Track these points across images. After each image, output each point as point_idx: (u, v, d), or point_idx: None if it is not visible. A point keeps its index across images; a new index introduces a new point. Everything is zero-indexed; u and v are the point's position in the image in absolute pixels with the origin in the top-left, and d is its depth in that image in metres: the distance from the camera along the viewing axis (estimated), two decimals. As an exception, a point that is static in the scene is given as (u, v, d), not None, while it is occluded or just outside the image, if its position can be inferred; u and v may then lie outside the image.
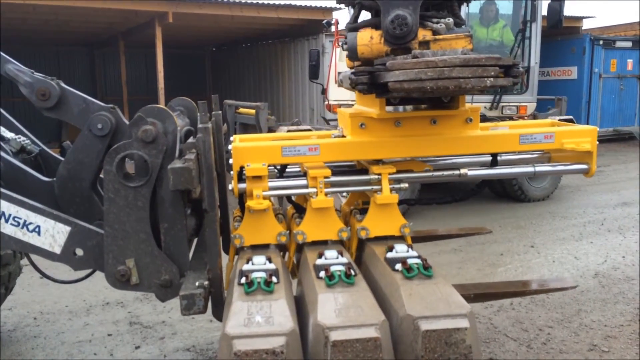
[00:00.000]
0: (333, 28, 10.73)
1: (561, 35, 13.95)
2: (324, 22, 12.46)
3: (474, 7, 8.03)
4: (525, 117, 8.43)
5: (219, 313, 2.45)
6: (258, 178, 2.57)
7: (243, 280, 2.23)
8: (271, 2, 12.44)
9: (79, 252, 2.49)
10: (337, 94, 8.51)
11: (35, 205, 2.45)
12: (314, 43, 12.92)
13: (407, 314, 2.09)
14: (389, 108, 2.74)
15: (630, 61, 15.65)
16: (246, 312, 2.06)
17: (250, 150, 2.62)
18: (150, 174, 2.35)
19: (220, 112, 2.67)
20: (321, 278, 2.29)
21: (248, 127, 8.41)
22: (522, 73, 8.12)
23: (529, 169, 2.88)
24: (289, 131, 7.70)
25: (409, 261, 2.37)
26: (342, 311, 2.10)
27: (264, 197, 2.54)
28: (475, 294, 2.93)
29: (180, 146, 2.47)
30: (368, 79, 2.34)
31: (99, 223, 2.50)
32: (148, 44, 13.29)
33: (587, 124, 15.41)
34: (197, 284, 2.29)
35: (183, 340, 3.85)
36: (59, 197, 2.63)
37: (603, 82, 14.94)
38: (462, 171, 2.77)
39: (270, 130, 7.88)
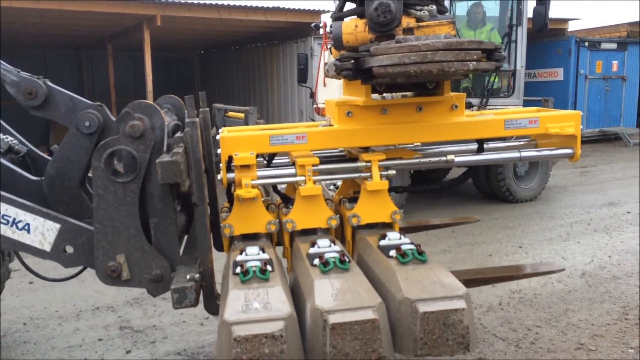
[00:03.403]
0: (322, 31, 10.78)
1: (547, 37, 14.09)
2: (313, 25, 12.47)
3: (462, 10, 8.10)
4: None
5: (211, 306, 2.46)
6: (246, 167, 2.58)
7: (238, 269, 2.23)
8: (260, 5, 12.45)
9: (69, 249, 2.48)
10: (326, 97, 8.54)
11: (25, 203, 2.44)
12: (303, 46, 12.94)
13: (404, 297, 2.11)
14: (375, 96, 2.77)
15: (615, 62, 15.85)
16: (243, 300, 2.06)
17: (238, 140, 2.62)
18: (138, 169, 2.35)
19: (207, 108, 2.70)
20: (315, 265, 2.29)
21: (237, 131, 8.40)
22: (509, 76, 8.22)
23: (515, 154, 2.93)
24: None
25: (403, 247, 2.39)
26: (339, 295, 2.10)
27: (253, 186, 2.55)
28: (465, 279, 2.97)
29: (168, 141, 2.48)
30: (353, 64, 2.35)
31: (89, 221, 2.50)
32: (136, 47, 13.26)
33: (574, 125, 15.55)
34: (188, 277, 2.29)
35: (174, 344, 3.85)
36: (48, 196, 2.62)
37: (589, 84, 15.11)
38: (449, 157, 2.79)
39: (260, 133, 7.88)
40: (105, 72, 15.70)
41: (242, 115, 8.04)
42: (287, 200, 2.90)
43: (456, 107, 2.75)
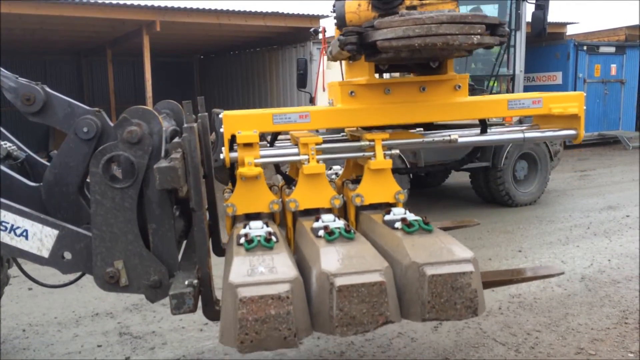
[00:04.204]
0: (321, 36, 10.79)
1: (545, 41, 14.13)
2: (312, 29, 12.52)
3: (460, 14, 8.12)
4: (512, 124, 8.55)
5: (210, 312, 2.45)
6: (249, 146, 2.56)
7: (242, 240, 2.21)
8: (259, 10, 12.48)
9: (67, 255, 2.48)
10: (326, 102, 8.56)
11: (23, 209, 2.44)
12: (302, 50, 12.97)
13: (412, 262, 2.08)
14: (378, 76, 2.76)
15: (613, 66, 15.89)
16: (248, 265, 2.03)
17: (241, 118, 2.62)
18: (136, 175, 2.36)
19: (206, 114, 2.70)
20: (320, 236, 2.28)
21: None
22: (508, 80, 8.25)
23: (518, 135, 2.92)
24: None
25: (409, 218, 2.37)
26: (345, 260, 2.08)
27: (256, 165, 2.54)
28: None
29: (166, 146, 2.48)
30: (357, 38, 2.33)
31: (87, 227, 2.50)
32: (136, 52, 13.28)
33: (573, 128, 15.57)
34: (186, 282, 2.29)
35: (173, 350, 3.84)
36: (47, 202, 2.62)
37: (587, 87, 15.14)
38: (453, 136, 2.77)
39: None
40: (105, 78, 15.73)
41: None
42: (290, 181, 2.89)
43: (459, 87, 2.74)
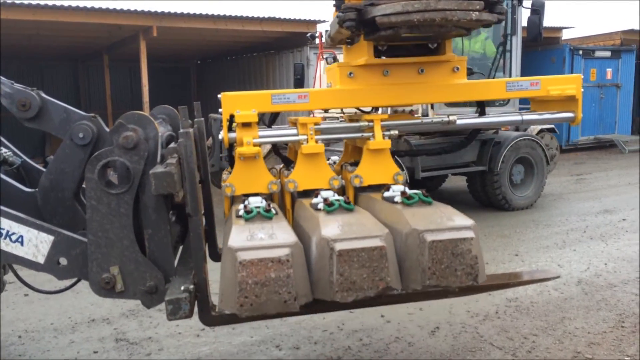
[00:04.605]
0: (317, 41, 10.81)
1: (541, 45, 14.18)
2: (309, 34, 12.55)
3: (456, 20, 8.14)
4: (509, 128, 8.58)
5: (206, 317, 2.45)
6: (248, 125, 2.56)
7: (241, 212, 2.20)
8: (256, 15, 12.52)
9: (63, 261, 2.47)
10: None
11: (18, 215, 2.43)
12: (299, 55, 13.01)
13: (412, 229, 2.08)
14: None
15: (609, 70, 15.97)
16: (248, 232, 2.03)
17: (240, 97, 2.62)
18: (132, 180, 2.35)
19: (202, 119, 2.70)
20: (320, 209, 2.27)
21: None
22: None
23: (516, 117, 2.93)
24: (273, 145, 7.73)
25: (408, 192, 2.38)
26: (345, 227, 2.08)
27: (255, 145, 2.54)
28: (460, 287, 2.97)
29: (162, 151, 2.48)
30: (356, 15, 2.32)
31: (83, 232, 2.49)
32: (132, 58, 13.29)
33: (569, 132, 15.69)
34: (182, 288, 2.29)
35: (170, 356, 3.82)
36: (42, 207, 2.61)
37: (583, 91, 15.17)
38: (452, 117, 2.78)
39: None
40: (102, 83, 15.73)
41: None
42: (289, 163, 2.89)
43: (457, 69, 2.74)
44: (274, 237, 1.98)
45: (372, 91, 2.69)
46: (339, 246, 1.95)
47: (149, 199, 2.39)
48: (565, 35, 17.15)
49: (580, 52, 15.23)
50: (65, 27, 11.41)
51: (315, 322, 4.19)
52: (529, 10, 7.21)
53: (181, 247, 2.85)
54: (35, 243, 2.44)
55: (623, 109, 16.85)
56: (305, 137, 2.60)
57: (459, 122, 2.81)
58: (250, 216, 2.14)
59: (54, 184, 2.60)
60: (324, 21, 13.94)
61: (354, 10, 2.32)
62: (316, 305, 2.57)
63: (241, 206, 2.34)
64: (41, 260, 2.45)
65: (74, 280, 2.69)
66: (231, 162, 2.75)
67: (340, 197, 2.35)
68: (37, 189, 2.64)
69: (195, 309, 2.40)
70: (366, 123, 2.67)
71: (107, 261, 2.39)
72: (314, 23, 13.10)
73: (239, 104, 2.58)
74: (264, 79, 14.83)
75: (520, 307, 4.50)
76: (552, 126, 9.83)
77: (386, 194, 2.49)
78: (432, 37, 2.62)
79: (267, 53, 14.61)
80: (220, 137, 2.66)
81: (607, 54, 15.91)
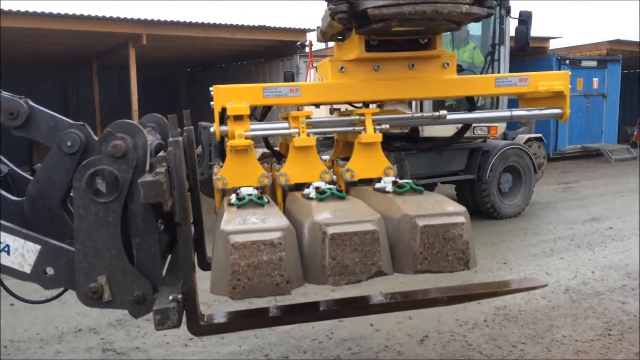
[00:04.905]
0: (307, 49, 10.86)
1: (529, 55, 14.34)
2: (298, 43, 12.60)
3: (444, 29, 8.22)
4: (497, 137, 8.65)
5: (194, 327, 2.44)
6: (239, 118, 2.56)
7: (233, 199, 2.20)
8: (246, 24, 12.55)
9: (50, 270, 2.45)
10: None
11: (5, 224, 2.41)
12: (289, 64, 13.05)
13: (404, 214, 2.10)
14: None
15: (595, 80, 16.18)
16: (240, 217, 2.04)
17: (232, 90, 2.62)
18: (120, 189, 2.34)
19: (192, 127, 2.70)
20: (312, 198, 2.28)
21: (223, 150, 8.39)
22: (493, 99, 8.36)
23: (505, 113, 2.96)
24: (263, 153, 7.73)
25: (400, 181, 2.39)
26: (337, 212, 2.09)
27: (246, 138, 2.54)
28: (449, 296, 2.98)
29: (151, 160, 2.47)
30: (347, 7, 2.32)
31: (70, 242, 2.47)
32: (122, 66, 13.25)
33: (556, 141, 15.83)
34: (170, 297, 2.27)
35: (157, 365, 3.80)
36: (29, 216, 2.59)
37: (570, 101, 15.34)
38: (442, 112, 2.80)
39: (246, 151, 7.87)
40: (90, 91, 15.65)
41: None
42: (280, 157, 2.89)
43: (448, 64, 2.76)
44: (266, 222, 1.99)
45: (364, 86, 2.71)
46: (331, 230, 1.95)
47: (138, 208, 2.37)
48: (553, 45, 17.38)
49: (567, 61, 15.41)
50: (54, 34, 11.37)
51: (304, 331, 4.18)
52: (517, 20, 7.30)
53: (170, 256, 2.83)
54: (21, 252, 2.41)
55: (609, 118, 17.06)
56: (296, 130, 2.61)
57: (449, 117, 2.83)
58: (243, 203, 2.14)
59: (41, 192, 2.58)
60: (314, 30, 14.01)
61: (345, 2, 2.33)
62: (303, 314, 2.57)
63: (233, 195, 2.34)
64: (27, 269, 2.43)
65: (61, 289, 2.66)
66: (222, 156, 2.75)
67: (332, 186, 2.36)
68: (24, 198, 2.62)
69: (184, 319, 2.39)
70: (357, 117, 2.68)
71: (95, 271, 2.37)
72: (303, 32, 13.15)
73: (230, 96, 2.57)
74: (253, 87, 14.83)
75: (509, 316, 4.51)
76: (540, 135, 9.93)
77: (377, 185, 2.52)
78: (423, 31, 2.63)
79: (257, 61, 14.65)
80: (212, 129, 2.65)
81: (594, 63, 16.12)
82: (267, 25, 12.82)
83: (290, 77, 9.08)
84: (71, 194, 2.48)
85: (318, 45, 11.91)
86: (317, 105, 3.24)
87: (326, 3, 2.74)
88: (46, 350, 4.10)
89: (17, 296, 2.95)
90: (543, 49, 16.47)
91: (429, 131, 7.51)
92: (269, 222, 1.99)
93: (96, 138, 2.53)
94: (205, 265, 3.14)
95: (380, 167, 2.69)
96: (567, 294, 5.05)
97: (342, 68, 2.71)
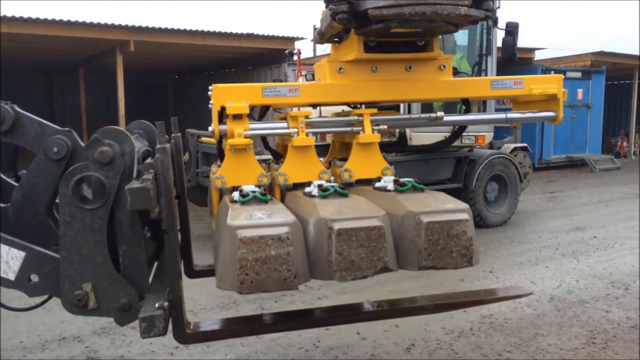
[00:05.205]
0: (295, 57, 10.89)
1: (514, 66, 14.50)
2: (287, 51, 12.62)
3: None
4: (483, 146, 8.73)
5: (180, 335, 2.42)
6: (239, 118, 2.55)
7: (236, 197, 2.19)
8: (234, 31, 12.56)
9: (34, 277, 2.42)
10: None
11: None
12: (277, 72, 13.08)
13: (408, 211, 2.11)
14: None
15: (580, 91, 16.40)
16: (246, 212, 2.04)
17: (231, 89, 2.62)
18: (107, 196, 2.33)
19: (179, 134, 2.70)
20: (314, 196, 2.29)
21: (210, 157, 8.38)
22: (480, 103, 8.44)
23: (500, 115, 2.99)
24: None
25: (401, 179, 2.41)
26: (342, 209, 2.10)
27: (245, 137, 2.54)
28: (436, 304, 3.00)
29: (138, 167, 2.46)
30: (348, 7, 2.33)
31: (55, 248, 2.45)
32: (109, 72, 13.18)
33: (541, 151, 16.00)
34: (156, 305, 2.26)
35: (142, 373, 3.76)
36: (14, 223, 2.56)
37: (555, 111, 15.54)
38: (439, 114, 2.83)
39: (233, 158, 7.87)
40: (77, 97, 15.54)
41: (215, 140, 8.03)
42: (278, 157, 2.89)
43: (444, 67, 2.79)
44: (272, 217, 1.99)
45: (361, 87, 2.73)
46: (337, 225, 1.96)
47: (124, 215, 2.36)
48: (538, 56, 17.60)
49: (552, 72, 15.60)
50: (41, 39, 11.28)
51: (291, 339, 4.17)
52: (504, 31, 7.39)
53: (156, 264, 2.82)
54: (5, 259, 2.38)
55: (593, 128, 17.30)
56: (295, 130, 2.61)
57: (445, 118, 2.87)
58: (247, 199, 2.14)
59: (26, 199, 2.55)
60: (302, 38, 14.08)
61: (346, 2, 2.35)
62: (290, 322, 2.56)
63: (235, 192, 2.33)
64: (12, 276, 2.40)
65: (45, 297, 2.63)
66: (220, 155, 2.75)
67: (335, 183, 2.37)
68: (8, 204, 2.60)
69: (170, 327, 2.37)
70: (356, 117, 2.70)
71: (80, 278, 2.35)
72: (292, 40, 13.19)
73: (230, 96, 2.57)
74: (241, 94, 14.83)
75: (495, 324, 4.54)
76: (525, 144, 10.04)
77: (377, 184, 2.54)
78: (421, 33, 2.66)
79: (246, 69, 14.66)
80: (210, 128, 2.64)
81: (578, 74, 16.35)
82: (255, 33, 12.86)
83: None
84: (57, 201, 2.47)
85: (306, 54, 11.97)
86: (314, 107, 3.24)
87: (324, 5, 2.77)
88: (30, 358, 4.04)
89: (0, 303, 2.91)
90: (528, 59, 16.68)
91: (416, 139, 7.57)
92: (275, 217, 1.99)
93: (83, 144, 2.52)
94: (192, 273, 3.13)
95: (378, 168, 2.71)
96: (552, 303, 5.09)
97: (340, 69, 2.73)
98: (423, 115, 2.89)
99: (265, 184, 2.60)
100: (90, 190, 2.38)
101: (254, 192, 2.22)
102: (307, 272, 2.02)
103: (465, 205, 2.18)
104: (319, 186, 2.32)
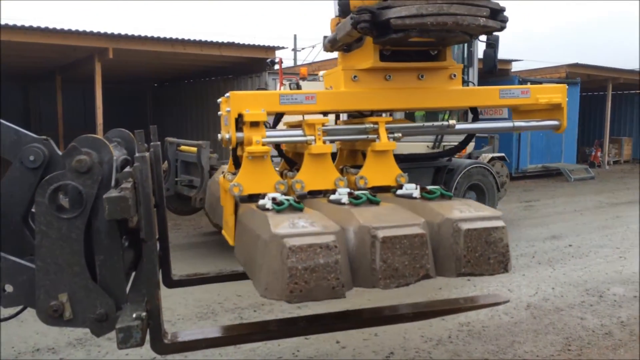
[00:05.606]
0: (277, 67, 10.91)
1: (492, 77, 14.73)
2: (268, 60, 12.65)
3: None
4: (462, 156, 8.84)
5: (158, 345, 2.40)
6: (256, 125, 2.54)
7: (269, 204, 2.18)
8: (214, 40, 12.54)
9: (9, 288, 2.38)
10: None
11: None
12: (257, 81, 13.08)
13: (446, 218, 2.12)
14: None
15: (555, 102, 16.67)
16: (287, 220, 2.01)
17: (249, 97, 2.62)
18: (84, 205, 2.30)
19: (159, 142, 2.68)
20: (344, 203, 2.27)
21: (190, 165, 8.34)
22: (461, 114, 8.57)
23: (508, 124, 3.05)
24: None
25: (428, 187, 2.42)
26: (380, 217, 2.09)
27: (263, 144, 2.53)
28: (416, 312, 3.02)
29: (117, 175, 2.44)
30: (370, 17, 2.36)
31: (31, 258, 2.41)
32: (87, 79, 13.04)
33: (518, 161, 16.24)
34: (134, 315, 2.23)
35: (119, 385, 3.71)
36: None
37: (531, 122, 15.80)
38: (451, 122, 2.88)
39: (213, 168, 7.85)
40: (54, 105, 15.32)
41: (194, 149, 8.00)
42: (292, 164, 2.88)
43: (454, 76, 2.85)
44: (315, 225, 1.97)
45: (375, 95, 2.76)
46: (382, 233, 1.97)
47: (102, 224, 2.34)
48: (515, 67, 17.91)
49: (529, 83, 15.88)
50: (18, 46, 11.12)
51: (270, 349, 4.15)
52: (485, 43, 7.51)
53: (134, 273, 2.79)
54: (-21, 269, 2.34)
55: (568, 139, 17.63)
56: (312, 137, 2.62)
57: (457, 127, 2.91)
58: (282, 208, 2.12)
59: (1, 208, 2.51)
60: (283, 47, 14.10)
61: (368, 12, 2.37)
62: (269, 332, 2.56)
63: (265, 201, 2.31)
64: None
65: (20, 307, 2.59)
66: (235, 163, 2.74)
67: (365, 191, 2.37)
68: (-18, 214, 2.55)
69: (148, 337, 2.35)
70: (371, 125, 2.72)
71: (56, 288, 2.32)
72: (272, 49, 13.22)
73: (247, 103, 2.56)
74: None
75: (472, 332, 4.58)
76: (503, 154, 10.18)
77: (399, 192, 2.55)
78: (434, 42, 2.70)
79: (226, 78, 14.62)
80: (221, 136, 2.61)
81: (553, 86, 16.64)
82: (235, 42, 12.85)
83: (262, 93, 9.10)
84: (33, 210, 2.43)
85: (288, 62, 11.97)
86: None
87: (336, 15, 2.80)
88: (2, 371, 3.96)
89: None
90: (506, 71, 16.96)
91: (399, 149, 7.62)
92: (318, 225, 1.98)
93: (60, 153, 2.49)
94: (170, 283, 3.10)
95: (392, 175, 2.74)
96: (529, 310, 5.16)
97: (355, 77, 2.76)
98: (436, 124, 2.94)
99: (282, 191, 2.59)
100: (67, 199, 2.36)
101: (287, 200, 2.20)
102: (350, 280, 2.01)
103: (499, 213, 2.23)
104: (349, 194, 2.32)
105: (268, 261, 1.93)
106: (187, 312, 5.08)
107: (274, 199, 2.24)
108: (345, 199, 2.31)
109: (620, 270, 6.56)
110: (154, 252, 2.34)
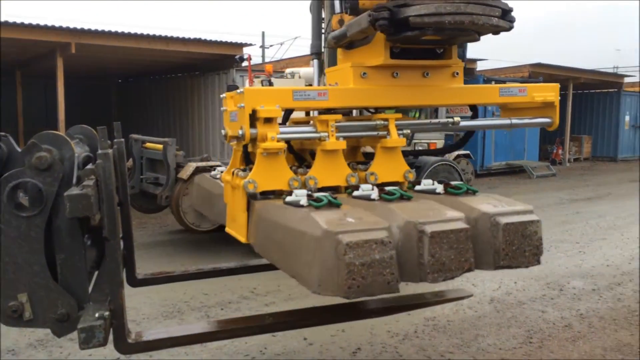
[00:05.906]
0: (246, 63, 10.84)
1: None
2: (237, 57, 12.55)
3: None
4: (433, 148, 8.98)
5: (121, 345, 2.36)
6: (269, 121, 2.52)
7: (303, 201, 2.18)
8: (181, 36, 12.37)
9: None
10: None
11: None
12: (225, 78, 12.98)
13: (482, 213, 2.18)
14: None
15: (518, 101, 17.06)
16: (335, 216, 2.02)
17: (263, 92, 2.60)
18: (45, 203, 2.25)
19: (123, 139, 2.63)
20: (374, 199, 2.30)
21: (155, 163, 8.23)
22: (431, 112, 8.71)
23: (505, 121, 3.14)
24: (197, 167, 7.62)
25: (452, 183, 2.47)
26: (421, 212, 2.13)
27: (278, 140, 2.50)
28: (382, 307, 3.06)
29: (78, 173, 2.40)
30: (389, 14, 2.36)
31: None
32: (49, 74, 12.71)
33: (483, 158, 16.55)
34: (97, 315, 2.20)
35: (82, 386, 3.64)
36: None
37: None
38: (456, 119, 2.94)
39: (179, 166, 7.76)
40: (13, 100, 14.88)
41: (160, 146, 7.89)
42: (302, 160, 2.88)
43: (457, 74, 2.91)
44: (363, 221, 1.99)
45: (384, 92, 2.80)
46: (430, 228, 2.00)
47: (63, 222, 2.29)
48: (479, 66, 18.22)
49: (493, 82, 16.21)
50: (-27, 40, 10.76)
51: (237, 346, 4.14)
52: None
53: (97, 272, 2.74)
54: None
55: (531, 137, 18.08)
56: (326, 133, 2.62)
57: (461, 123, 3.02)
58: (321, 204, 2.12)
59: None
60: (251, 44, 14.01)
61: (386, 10, 2.38)
62: (236, 329, 2.55)
63: (295, 197, 2.30)
64: None
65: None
66: (247, 160, 2.76)
67: (396, 187, 2.41)
68: (-63, 212, 2.47)
69: (111, 337, 2.32)
70: (381, 122, 2.76)
71: (15, 288, 2.26)
72: (240, 46, 13.12)
73: (262, 99, 2.53)
74: (188, 100, 14.63)
75: (438, 326, 4.66)
76: (468, 152, 10.38)
77: (418, 187, 2.59)
78: (445, 40, 2.75)
79: (192, 74, 14.45)
80: (223, 132, 2.57)
81: (517, 85, 17.02)
82: (202, 38, 12.70)
83: (234, 89, 9.04)
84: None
85: (256, 59, 11.92)
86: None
87: (340, 11, 2.82)
88: (-42, 375, 3.84)
89: None
90: (471, 69, 17.24)
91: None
92: (366, 221, 1.99)
93: (19, 149, 2.43)
94: (135, 282, 3.06)
95: (401, 171, 2.78)
96: (492, 304, 5.27)
97: (364, 74, 2.78)
98: (442, 120, 3.01)
99: (296, 188, 2.56)
100: (26, 197, 2.30)
101: (325, 196, 2.21)
102: (399, 274, 2.04)
103: (530, 207, 2.31)
104: (381, 190, 2.34)
105: (320, 258, 1.93)
106: (152, 311, 5.02)
107: (309, 196, 2.25)
108: (375, 194, 2.34)
109: (579, 265, 6.76)
110: (117, 250, 2.31)
